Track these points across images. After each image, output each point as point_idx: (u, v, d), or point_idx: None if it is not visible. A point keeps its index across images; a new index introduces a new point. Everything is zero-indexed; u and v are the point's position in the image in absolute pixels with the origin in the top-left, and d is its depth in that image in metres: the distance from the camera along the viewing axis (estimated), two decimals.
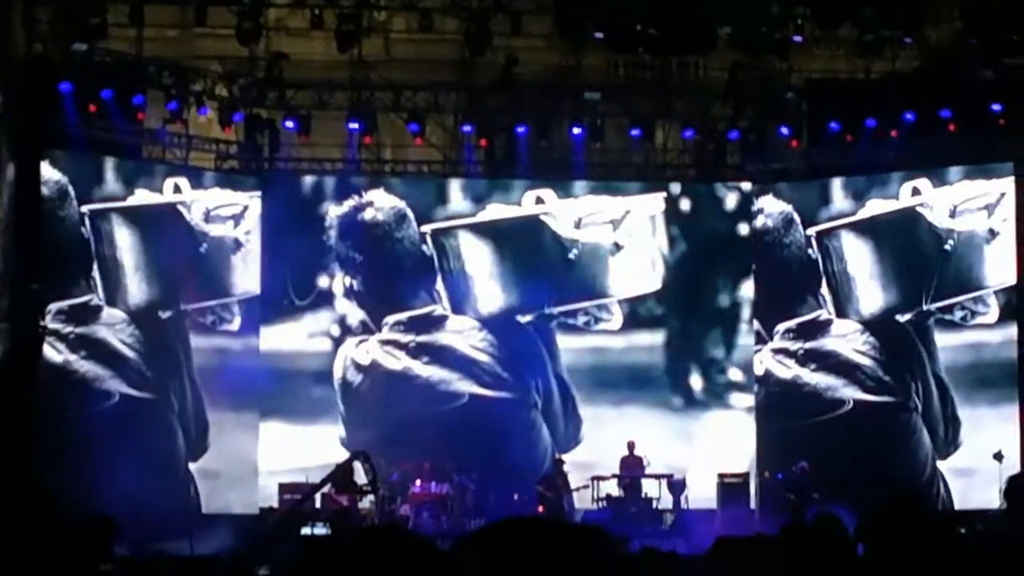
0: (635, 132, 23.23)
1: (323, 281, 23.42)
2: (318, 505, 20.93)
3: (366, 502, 21.00)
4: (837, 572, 6.65)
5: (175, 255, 22.28)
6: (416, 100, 23.06)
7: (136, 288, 21.95)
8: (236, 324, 23.07)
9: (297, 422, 23.12)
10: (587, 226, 23.67)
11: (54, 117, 20.81)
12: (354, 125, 22.94)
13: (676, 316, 23.94)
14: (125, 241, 21.91)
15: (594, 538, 3.13)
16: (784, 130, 23.22)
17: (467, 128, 23.34)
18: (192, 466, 22.42)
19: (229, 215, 23.10)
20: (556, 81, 23.52)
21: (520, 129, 23.09)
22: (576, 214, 23.68)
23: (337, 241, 23.42)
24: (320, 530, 19.76)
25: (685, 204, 23.97)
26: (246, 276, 23.20)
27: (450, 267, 23.58)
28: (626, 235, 23.71)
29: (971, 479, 22.03)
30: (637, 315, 23.77)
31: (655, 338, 23.89)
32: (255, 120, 22.92)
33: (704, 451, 23.35)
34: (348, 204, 23.45)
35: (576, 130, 23.18)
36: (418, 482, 21.49)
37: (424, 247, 23.51)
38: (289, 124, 22.79)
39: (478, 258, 23.63)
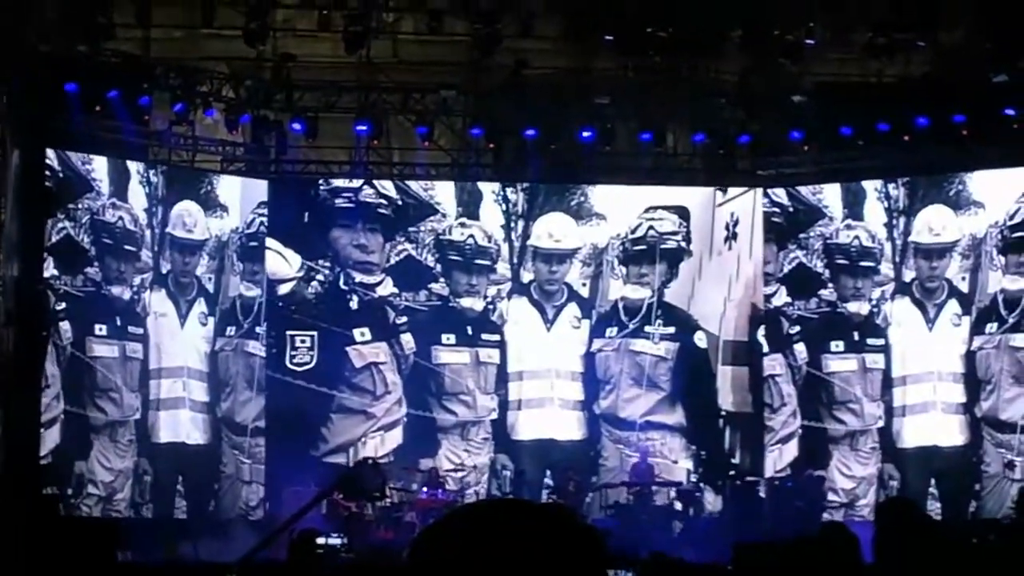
0: (645, 136, 23.06)
1: None
2: (324, 511, 20.71)
3: (373, 508, 20.76)
4: None
5: None
6: (424, 103, 22.87)
7: None
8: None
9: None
10: None
11: (60, 117, 20.67)
12: (362, 127, 22.76)
13: None
14: None
15: (561, 519, 2.99)
16: (795, 134, 23.00)
17: (476, 131, 23.18)
18: None
19: None
20: (565, 84, 23.33)
21: (529, 132, 22.89)
22: None
23: None
24: (335, 540, 19.45)
25: None
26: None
27: None
28: None
29: None
30: None
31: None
32: (262, 122, 22.72)
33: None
34: None
35: (585, 133, 22.99)
36: (425, 488, 21.31)
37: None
38: (296, 126, 22.63)
39: None
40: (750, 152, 23.46)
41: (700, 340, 23.31)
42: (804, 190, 23.18)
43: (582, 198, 23.44)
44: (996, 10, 21.97)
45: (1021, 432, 21.48)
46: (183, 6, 22.37)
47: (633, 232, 23.41)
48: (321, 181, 23.18)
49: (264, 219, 22.86)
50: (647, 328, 23.27)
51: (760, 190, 23.42)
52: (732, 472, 22.55)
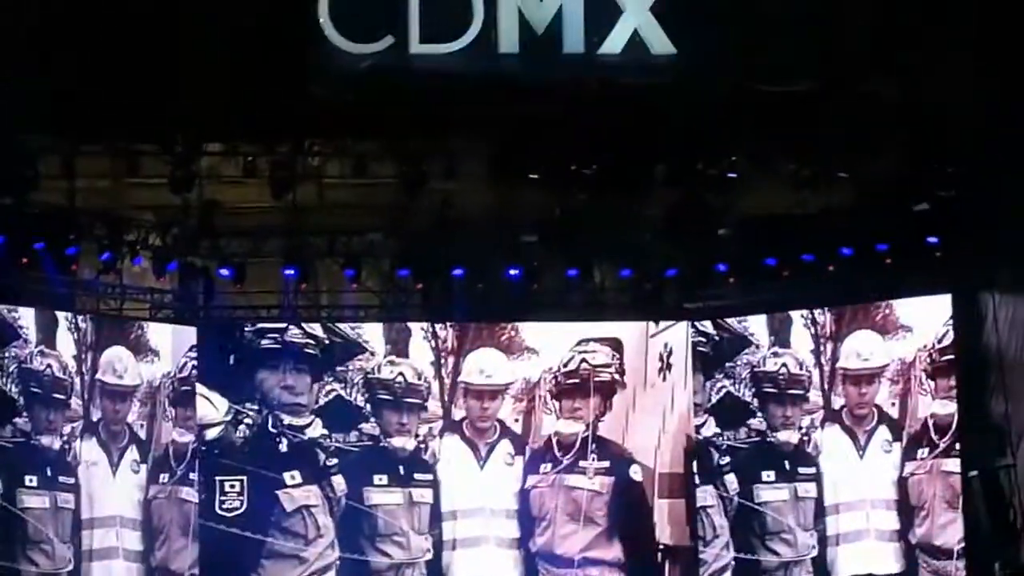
0: (572, 272, 23.16)
1: None
2: None
3: None
4: None
5: None
6: (351, 245, 22.97)
7: None
8: None
9: None
10: None
11: None
12: (289, 272, 22.82)
13: None
14: None
15: None
16: (721, 266, 23.13)
17: (403, 272, 23.21)
18: None
19: None
20: (492, 222, 23.44)
21: (456, 271, 22.96)
22: None
23: None
24: None
25: None
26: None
27: None
28: None
29: None
30: None
31: None
32: (189, 269, 22.79)
33: None
34: None
35: (512, 271, 23.06)
36: None
37: None
38: (224, 272, 22.67)
39: None
40: (677, 285, 23.58)
41: (635, 473, 23.25)
42: (730, 320, 23.31)
43: (513, 332, 23.45)
44: (919, 141, 22.18)
45: (957, 558, 21.43)
46: (108, 156, 22.42)
47: (565, 366, 23.44)
48: (247, 323, 23.20)
49: (196, 363, 22.83)
50: (582, 463, 23.22)
51: (690, 321, 23.53)
52: None
